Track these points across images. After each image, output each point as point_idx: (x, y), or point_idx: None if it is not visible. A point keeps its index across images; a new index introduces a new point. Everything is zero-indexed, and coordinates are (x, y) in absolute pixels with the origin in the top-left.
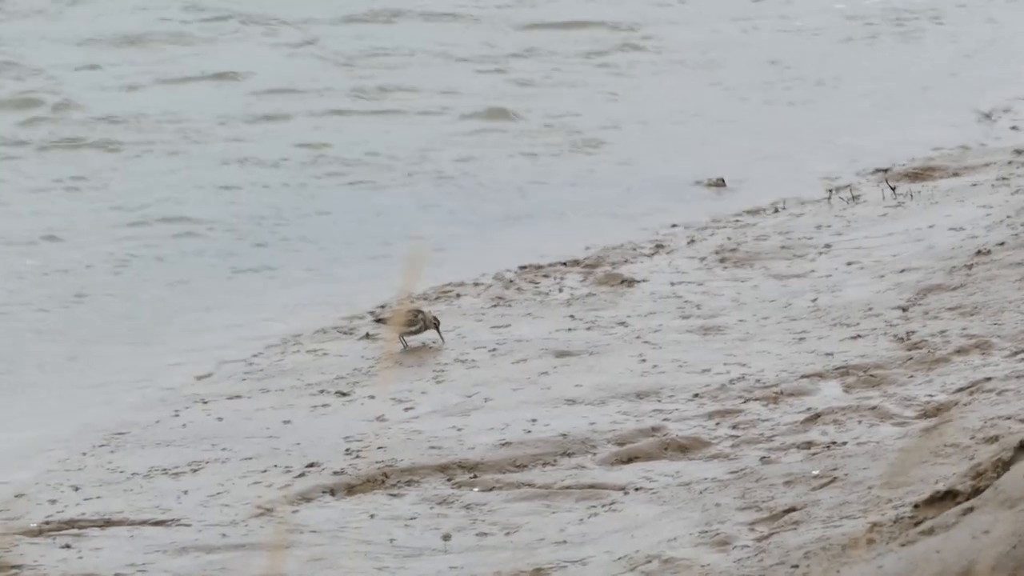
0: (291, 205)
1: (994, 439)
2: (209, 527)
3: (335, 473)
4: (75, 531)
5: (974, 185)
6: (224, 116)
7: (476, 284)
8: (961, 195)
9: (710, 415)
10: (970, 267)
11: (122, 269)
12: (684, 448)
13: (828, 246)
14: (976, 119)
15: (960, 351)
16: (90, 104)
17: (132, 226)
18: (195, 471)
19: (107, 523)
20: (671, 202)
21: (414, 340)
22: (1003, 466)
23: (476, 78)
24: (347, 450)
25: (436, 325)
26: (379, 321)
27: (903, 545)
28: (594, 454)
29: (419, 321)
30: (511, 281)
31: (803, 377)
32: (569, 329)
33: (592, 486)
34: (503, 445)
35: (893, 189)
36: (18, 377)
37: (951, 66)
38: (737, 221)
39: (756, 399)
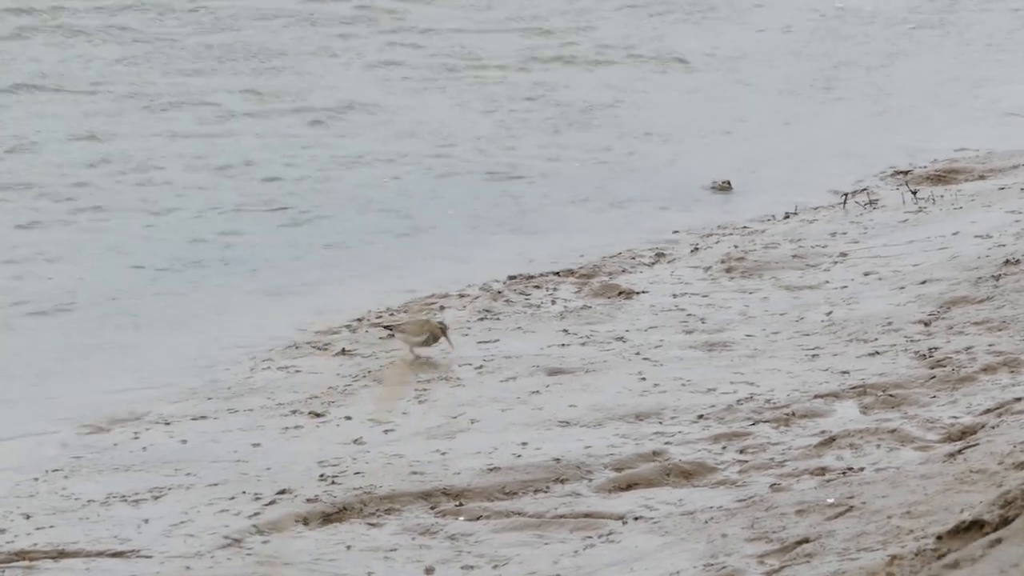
0: (256, 215)
1: None
2: (172, 559)
3: (309, 500)
4: (26, 563)
5: (1001, 189)
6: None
7: (461, 295)
8: (987, 199)
9: (716, 438)
10: (998, 278)
11: (79, 282)
12: (688, 474)
13: (843, 255)
14: (1003, 117)
15: (987, 369)
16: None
17: (92, 239)
18: (156, 498)
19: (61, 554)
20: (673, 207)
21: (425, 352)
22: None
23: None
24: (322, 476)
25: (444, 331)
26: (388, 328)
27: None
28: (590, 480)
29: (425, 331)
30: (499, 292)
31: (817, 397)
32: (562, 344)
33: (588, 515)
34: (491, 470)
35: (914, 193)
36: None
37: (976, 61)
38: (745, 228)
39: (766, 421)
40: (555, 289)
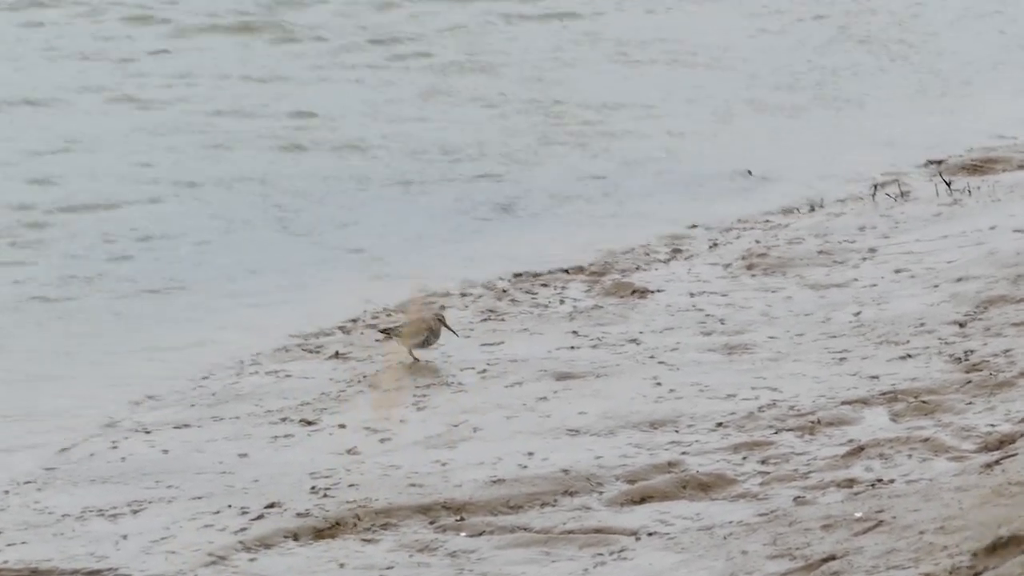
0: (242, 210)
1: None
2: None
3: (299, 515)
4: None
5: None
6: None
7: (463, 295)
8: None
9: (736, 448)
10: None
11: (54, 282)
12: (705, 486)
13: (873, 251)
14: None
15: None
16: None
17: (67, 239)
18: (136, 512)
19: (34, 572)
20: (690, 199)
21: (425, 355)
22: None
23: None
24: (313, 488)
25: (442, 320)
26: (385, 332)
27: None
28: (601, 493)
29: (423, 331)
30: (504, 291)
31: (844, 403)
32: (572, 347)
33: (598, 531)
34: (494, 482)
35: (948, 184)
36: None
37: (1015, 43)
38: (767, 222)
39: (789, 429)
40: (564, 288)
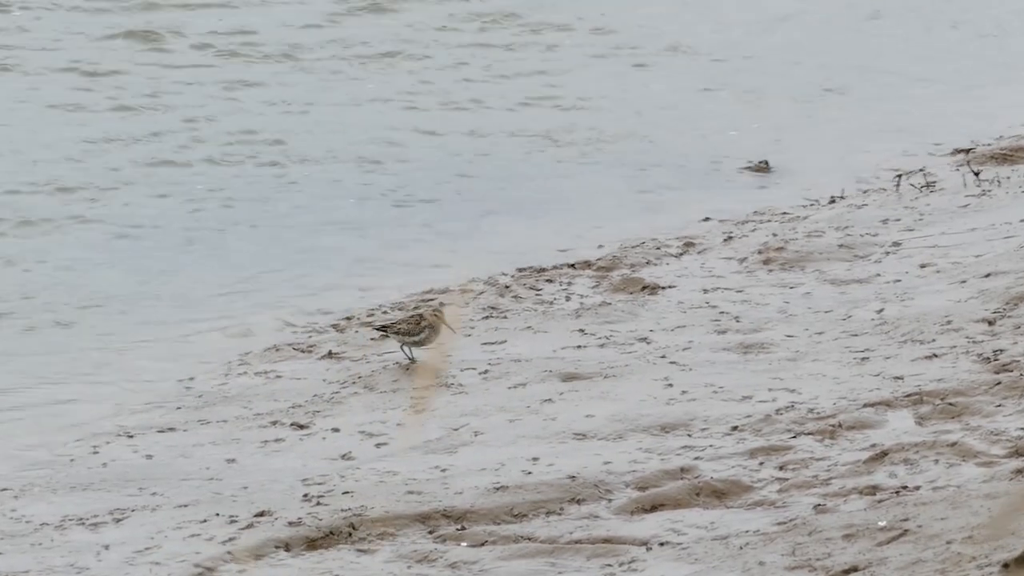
0: (231, 203)
1: None
2: None
3: (291, 524)
4: None
5: None
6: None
7: (464, 290)
8: None
9: (752, 453)
10: None
11: (33, 282)
12: (720, 493)
13: (896, 244)
14: None
15: None
16: None
17: (46, 235)
18: (118, 521)
19: None
20: (703, 191)
21: (423, 353)
22: None
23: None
24: (305, 495)
25: (441, 315)
26: (382, 329)
27: None
28: (609, 501)
29: (423, 328)
30: (507, 286)
31: (866, 406)
32: (578, 346)
33: (607, 540)
34: (497, 489)
35: (976, 174)
36: None
37: None
38: (785, 214)
39: (808, 433)
40: (570, 283)
